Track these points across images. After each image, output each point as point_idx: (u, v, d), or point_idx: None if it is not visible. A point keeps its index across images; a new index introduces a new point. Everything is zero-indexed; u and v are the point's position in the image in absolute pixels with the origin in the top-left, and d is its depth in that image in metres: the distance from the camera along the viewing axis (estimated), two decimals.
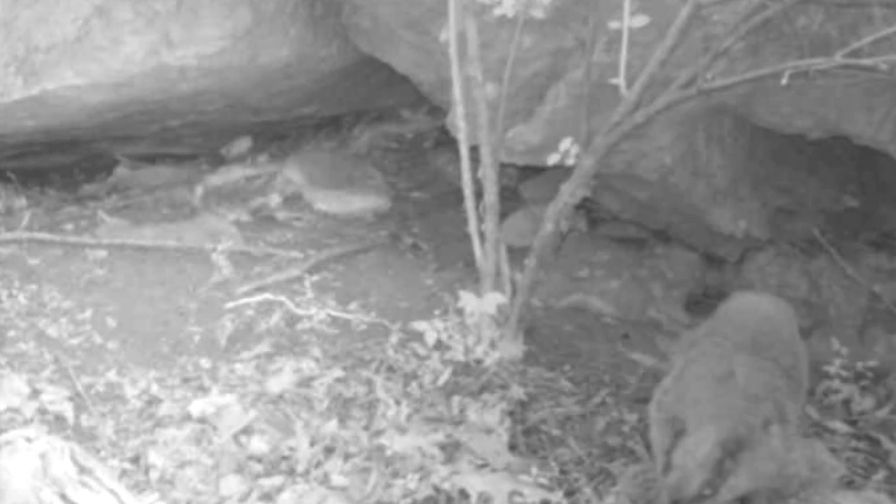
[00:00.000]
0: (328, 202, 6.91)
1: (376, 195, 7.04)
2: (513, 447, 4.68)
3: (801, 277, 6.36)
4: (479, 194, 5.40)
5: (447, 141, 6.62)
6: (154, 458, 4.50)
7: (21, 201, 6.80)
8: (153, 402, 4.93)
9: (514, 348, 5.35)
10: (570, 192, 5.19)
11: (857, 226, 6.67)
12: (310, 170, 7.11)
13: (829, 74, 4.99)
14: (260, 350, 5.32)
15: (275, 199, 6.94)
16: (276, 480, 4.40)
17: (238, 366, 5.20)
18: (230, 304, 5.71)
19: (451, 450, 4.59)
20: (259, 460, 4.55)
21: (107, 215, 6.64)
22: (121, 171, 7.45)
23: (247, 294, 5.81)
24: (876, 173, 6.49)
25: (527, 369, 5.35)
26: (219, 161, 7.42)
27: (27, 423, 4.66)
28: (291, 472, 4.47)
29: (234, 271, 5.90)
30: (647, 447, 4.60)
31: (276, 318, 5.58)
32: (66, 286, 5.83)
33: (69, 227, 6.51)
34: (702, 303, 6.26)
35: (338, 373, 5.13)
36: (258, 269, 6.03)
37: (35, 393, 4.85)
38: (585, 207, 6.41)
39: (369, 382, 5.06)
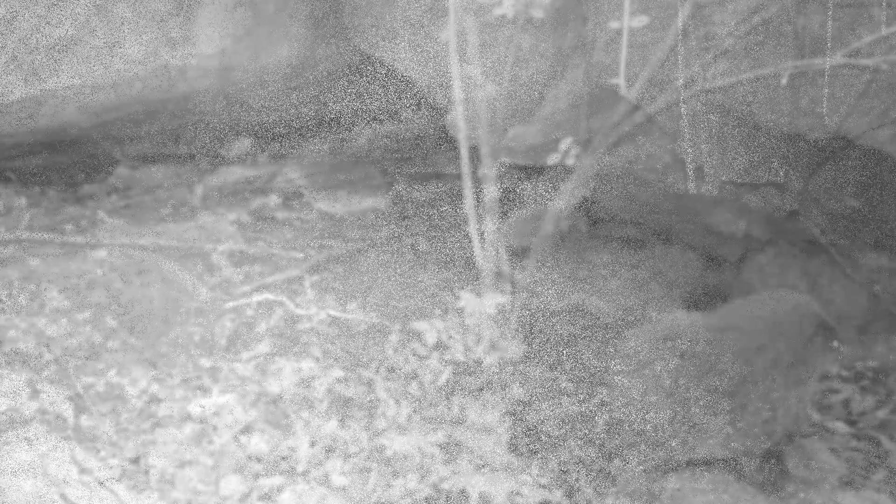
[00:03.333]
0: (328, 202, 6.92)
1: (376, 195, 7.03)
2: (513, 447, 4.73)
3: (801, 277, 6.36)
4: (478, 194, 5.40)
5: (447, 141, 6.68)
6: (154, 458, 4.50)
7: (21, 201, 6.78)
8: (153, 402, 4.91)
9: (514, 348, 5.34)
10: (570, 192, 5.26)
11: (858, 226, 6.68)
12: (310, 169, 7.13)
13: (829, 74, 5.02)
14: (260, 350, 5.31)
15: (275, 199, 6.95)
16: (276, 480, 4.41)
17: (238, 365, 5.19)
18: (230, 304, 5.72)
19: (451, 450, 4.62)
20: (259, 460, 4.53)
21: (107, 215, 6.66)
22: (121, 171, 7.45)
23: (246, 294, 5.84)
24: (877, 174, 6.50)
25: (527, 369, 5.38)
26: (219, 161, 7.45)
27: (27, 423, 4.64)
28: (291, 472, 4.48)
29: (234, 271, 5.92)
30: None
31: (276, 318, 5.60)
32: (66, 286, 5.74)
33: (69, 227, 6.51)
34: (701, 303, 6.22)
35: (338, 373, 5.11)
36: (258, 269, 6.05)
37: (35, 393, 4.84)
38: (585, 207, 6.42)
39: (369, 383, 5.08)
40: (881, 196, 6.55)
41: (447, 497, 4.40)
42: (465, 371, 5.25)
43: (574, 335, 5.88)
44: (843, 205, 6.57)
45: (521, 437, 4.85)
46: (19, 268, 5.91)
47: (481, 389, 5.13)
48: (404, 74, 6.54)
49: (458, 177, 5.57)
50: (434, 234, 6.75)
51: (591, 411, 5.16)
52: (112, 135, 7.09)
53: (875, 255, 6.51)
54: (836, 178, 6.44)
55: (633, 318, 6.13)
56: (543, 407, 5.14)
